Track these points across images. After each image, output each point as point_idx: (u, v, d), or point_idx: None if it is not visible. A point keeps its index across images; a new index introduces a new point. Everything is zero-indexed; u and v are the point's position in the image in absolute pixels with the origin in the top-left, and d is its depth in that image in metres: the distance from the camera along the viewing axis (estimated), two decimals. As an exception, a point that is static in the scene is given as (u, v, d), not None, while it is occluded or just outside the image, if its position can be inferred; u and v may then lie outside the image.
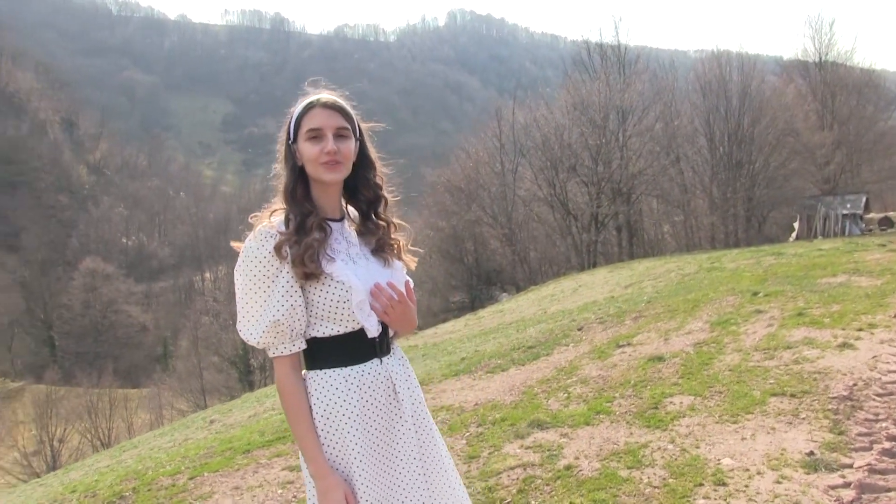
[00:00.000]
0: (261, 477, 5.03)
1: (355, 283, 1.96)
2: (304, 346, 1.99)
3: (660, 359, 5.89)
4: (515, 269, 32.18)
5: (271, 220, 1.99)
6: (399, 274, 2.11)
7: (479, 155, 34.59)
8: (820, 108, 36.10)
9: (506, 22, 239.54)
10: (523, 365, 7.06)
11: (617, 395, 5.16)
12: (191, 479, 5.39)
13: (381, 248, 2.10)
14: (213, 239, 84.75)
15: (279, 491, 4.66)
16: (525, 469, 4.06)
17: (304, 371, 2.02)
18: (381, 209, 2.14)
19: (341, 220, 2.10)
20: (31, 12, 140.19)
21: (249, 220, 2.03)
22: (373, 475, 1.96)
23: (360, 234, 2.11)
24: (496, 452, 4.44)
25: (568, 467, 3.96)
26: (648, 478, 3.65)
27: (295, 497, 4.48)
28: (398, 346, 2.16)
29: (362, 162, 2.12)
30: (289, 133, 2.06)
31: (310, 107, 2.03)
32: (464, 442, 4.80)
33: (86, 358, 58.79)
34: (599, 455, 4.07)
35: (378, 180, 2.15)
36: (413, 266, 2.19)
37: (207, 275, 79.33)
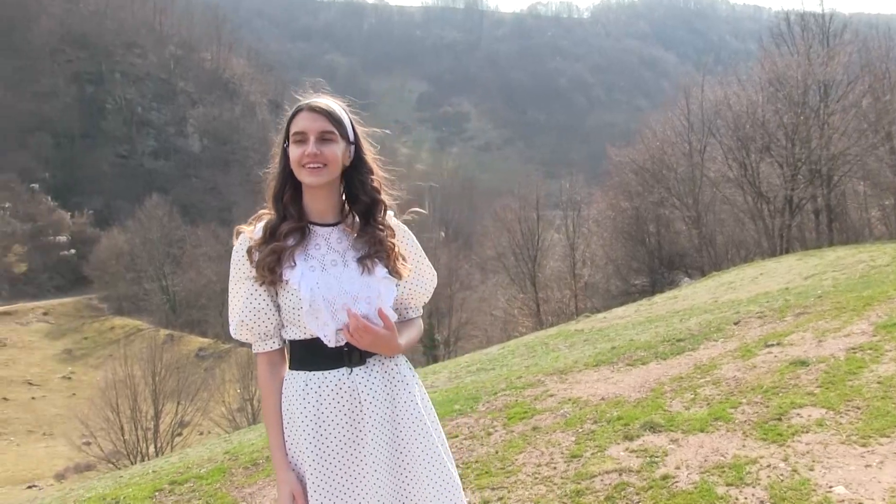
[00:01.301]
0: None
1: (304, 292, 1.97)
2: (276, 346, 2.09)
3: (803, 363, 5.40)
4: (701, 253, 30.73)
5: (256, 224, 2.08)
6: (378, 283, 2.06)
7: (665, 134, 33.25)
8: None
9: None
10: (665, 359, 6.76)
11: (744, 400, 4.80)
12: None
13: (370, 254, 2.07)
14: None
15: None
16: (621, 475, 3.89)
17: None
18: (378, 214, 2.12)
19: (335, 224, 2.11)
20: (245, 5, 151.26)
21: (254, 216, 2.13)
22: (327, 481, 1.99)
23: (357, 238, 2.09)
24: (599, 453, 4.29)
25: (665, 477, 3.75)
26: (746, 498, 3.37)
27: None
28: (399, 358, 2.12)
29: (358, 166, 2.10)
30: (286, 136, 2.08)
31: (298, 110, 2.05)
32: (573, 439, 4.68)
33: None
34: (702, 467, 3.81)
35: (375, 184, 2.12)
36: (405, 273, 2.13)
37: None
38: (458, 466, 4.56)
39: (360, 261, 2.06)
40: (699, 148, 31.73)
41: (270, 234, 2.03)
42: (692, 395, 5.16)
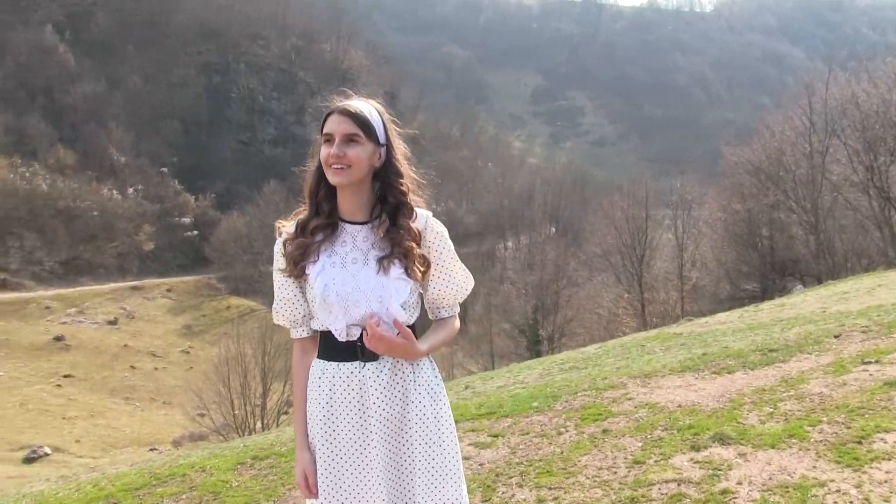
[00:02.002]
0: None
1: (318, 287, 2.10)
2: (306, 333, 2.26)
3: (899, 384, 5.11)
4: (818, 260, 29.20)
5: (293, 220, 2.23)
6: (391, 283, 2.12)
7: (784, 134, 31.71)
8: None
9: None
10: (752, 370, 6.53)
11: (825, 419, 4.59)
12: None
13: (389, 254, 2.13)
14: (517, 209, 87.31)
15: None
16: (679, 485, 3.81)
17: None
18: (402, 216, 2.17)
19: (365, 223, 2.18)
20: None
21: (294, 212, 2.28)
22: (334, 466, 2.13)
23: (382, 238, 2.15)
24: (662, 461, 4.21)
25: (724, 491, 3.65)
26: (805, 519, 3.25)
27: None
28: (424, 363, 2.20)
29: (387, 168, 2.17)
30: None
31: (329, 113, 2.15)
32: (639, 445, 4.62)
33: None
34: (765, 485, 3.68)
35: (403, 187, 2.17)
36: (419, 276, 2.18)
37: (510, 243, 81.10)
38: (521, 464, 4.61)
39: (380, 260, 2.13)
40: (821, 149, 30.11)
41: (301, 229, 2.17)
42: (771, 409, 4.98)
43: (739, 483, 3.74)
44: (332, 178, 2.11)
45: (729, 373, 6.54)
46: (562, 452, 4.72)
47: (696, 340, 11.31)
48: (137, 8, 79.98)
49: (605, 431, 5.04)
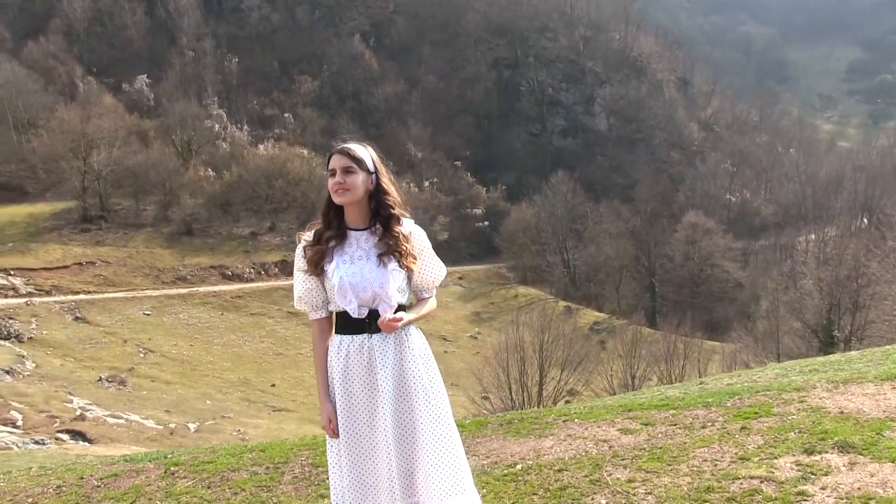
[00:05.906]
0: (593, 431, 5.54)
1: (335, 279, 2.88)
2: (324, 314, 3.05)
3: None
4: None
5: (311, 230, 3.02)
6: (388, 273, 2.90)
7: None
8: None
9: None
10: (962, 383, 5.95)
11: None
12: (565, 421, 6.14)
13: (386, 252, 2.91)
14: (821, 198, 79.94)
15: (580, 442, 5.17)
16: (761, 482, 3.88)
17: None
18: (392, 224, 2.95)
19: (365, 229, 2.97)
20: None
21: (310, 224, 3.07)
22: (351, 416, 2.92)
23: (379, 241, 2.93)
24: (766, 460, 4.24)
25: (800, 493, 3.67)
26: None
27: (572, 457, 4.96)
28: (412, 332, 2.98)
29: (378, 190, 2.96)
30: None
31: (330, 154, 2.95)
32: (760, 443, 4.63)
33: (680, 307, 62.12)
34: (849, 494, 3.62)
35: (390, 202, 2.96)
36: (413, 268, 2.97)
37: (813, 236, 74.56)
38: (643, 449, 4.86)
39: (379, 257, 2.93)
40: None
41: (317, 239, 2.98)
42: (930, 424, 4.66)
43: (823, 488, 3.72)
44: (337, 200, 2.92)
45: (933, 384, 6.03)
46: (685, 444, 4.86)
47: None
48: (432, 11, 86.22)
49: (742, 429, 5.05)
